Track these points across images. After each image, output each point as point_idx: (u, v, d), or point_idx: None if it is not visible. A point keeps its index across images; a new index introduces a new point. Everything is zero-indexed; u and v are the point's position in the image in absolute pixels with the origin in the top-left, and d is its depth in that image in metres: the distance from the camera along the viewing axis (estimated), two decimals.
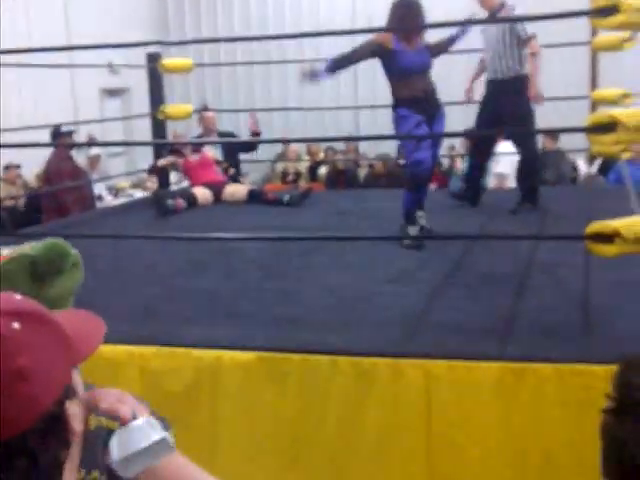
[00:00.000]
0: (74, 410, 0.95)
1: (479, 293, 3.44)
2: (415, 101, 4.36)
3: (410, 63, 4.42)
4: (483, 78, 5.50)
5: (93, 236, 4.57)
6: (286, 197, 6.08)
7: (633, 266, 3.31)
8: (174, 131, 9.49)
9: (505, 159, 7.19)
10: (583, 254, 3.47)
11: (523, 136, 5.30)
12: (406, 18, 4.38)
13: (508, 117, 5.05)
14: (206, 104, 8.05)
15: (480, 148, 5.62)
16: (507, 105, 5.09)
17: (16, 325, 0.91)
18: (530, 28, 5.06)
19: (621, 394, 1.02)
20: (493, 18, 5.21)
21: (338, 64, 4.44)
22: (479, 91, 5.49)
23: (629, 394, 1.01)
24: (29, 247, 1.42)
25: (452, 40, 4.62)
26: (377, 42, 4.41)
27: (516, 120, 5.07)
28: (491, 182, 7.44)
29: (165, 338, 2.99)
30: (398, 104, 4.43)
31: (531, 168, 5.41)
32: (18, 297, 0.98)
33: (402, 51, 4.40)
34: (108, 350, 2.82)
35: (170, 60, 6.10)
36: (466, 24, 4.54)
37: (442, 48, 4.63)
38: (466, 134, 6.90)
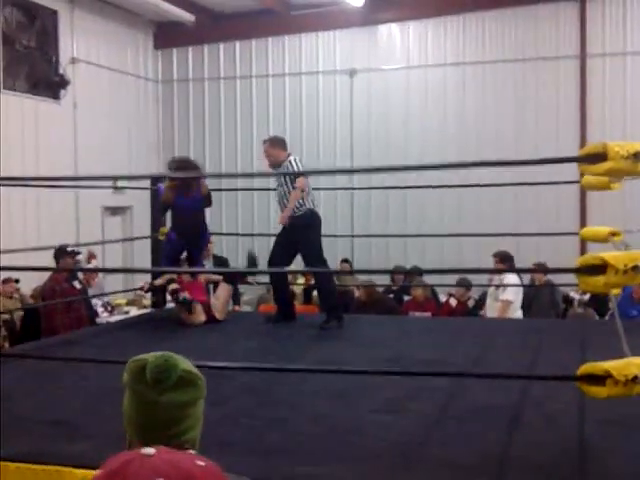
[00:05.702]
0: None
1: (469, 427, 3.41)
2: None
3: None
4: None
5: (87, 360, 4.56)
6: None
7: (627, 403, 3.31)
8: None
9: (511, 288, 7.32)
10: (576, 389, 3.46)
11: (313, 262, 6.07)
12: None
13: (301, 245, 6.08)
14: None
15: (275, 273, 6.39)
16: (297, 235, 6.05)
17: None
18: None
19: None
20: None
21: None
22: None
23: None
24: (150, 354, 1.58)
25: None
26: None
27: (307, 247, 6.07)
28: (496, 309, 7.51)
29: None
30: None
31: (326, 288, 6.32)
32: (202, 462, 1.13)
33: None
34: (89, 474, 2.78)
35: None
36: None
37: None
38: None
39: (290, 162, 6.13)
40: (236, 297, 9.05)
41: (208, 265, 7.49)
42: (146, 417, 1.52)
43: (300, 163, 6.26)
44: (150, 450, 1.28)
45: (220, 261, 8.02)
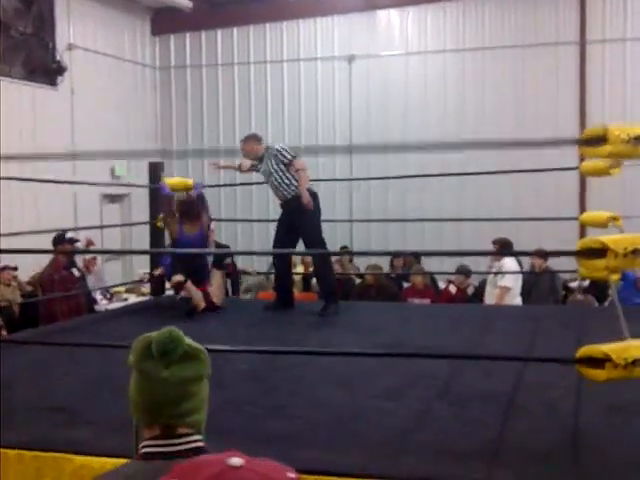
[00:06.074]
0: None
1: (467, 413, 3.41)
2: None
3: None
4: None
5: (85, 344, 4.56)
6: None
7: (626, 389, 3.31)
8: None
9: (510, 275, 7.33)
10: (574, 374, 3.46)
11: (313, 243, 6.07)
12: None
13: (299, 226, 6.07)
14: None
15: (280, 258, 6.43)
16: (297, 218, 6.06)
17: None
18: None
19: None
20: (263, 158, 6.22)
21: None
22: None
23: None
24: (153, 333, 1.59)
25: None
26: None
27: (307, 230, 6.07)
28: (494, 295, 7.52)
29: None
30: None
31: (324, 272, 6.31)
32: (293, 474, 1.15)
33: None
34: (96, 461, 2.78)
35: (171, 179, 6.37)
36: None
37: None
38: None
39: (279, 150, 6.16)
40: (235, 286, 9.06)
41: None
42: (151, 397, 1.53)
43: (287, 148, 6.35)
44: (237, 460, 1.23)
45: (221, 247, 8.02)
